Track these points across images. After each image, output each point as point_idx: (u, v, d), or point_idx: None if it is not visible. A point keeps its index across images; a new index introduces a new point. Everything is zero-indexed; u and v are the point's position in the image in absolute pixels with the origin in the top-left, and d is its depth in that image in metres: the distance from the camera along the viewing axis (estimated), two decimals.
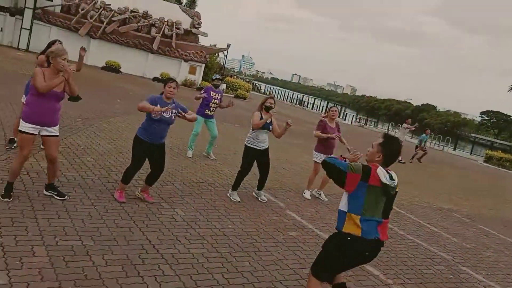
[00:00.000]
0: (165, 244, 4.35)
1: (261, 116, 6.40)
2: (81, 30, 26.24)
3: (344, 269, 3.51)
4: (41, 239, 3.81)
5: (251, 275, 4.14)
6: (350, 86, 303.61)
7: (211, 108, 8.58)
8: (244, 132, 13.56)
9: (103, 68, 26.04)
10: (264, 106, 6.44)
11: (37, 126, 4.58)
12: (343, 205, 3.27)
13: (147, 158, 5.38)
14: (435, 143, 31.26)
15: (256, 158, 6.50)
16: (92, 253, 3.80)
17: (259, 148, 6.43)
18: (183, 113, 5.26)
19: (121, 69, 26.53)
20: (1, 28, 24.54)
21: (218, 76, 9.01)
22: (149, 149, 5.28)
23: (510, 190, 16.57)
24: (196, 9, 35.87)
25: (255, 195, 6.75)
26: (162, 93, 5.31)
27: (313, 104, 45.04)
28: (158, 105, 5.10)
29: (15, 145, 6.11)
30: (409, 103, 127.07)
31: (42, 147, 5.89)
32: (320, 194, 7.71)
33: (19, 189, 4.76)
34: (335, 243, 3.32)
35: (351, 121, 38.68)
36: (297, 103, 46.06)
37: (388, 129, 32.44)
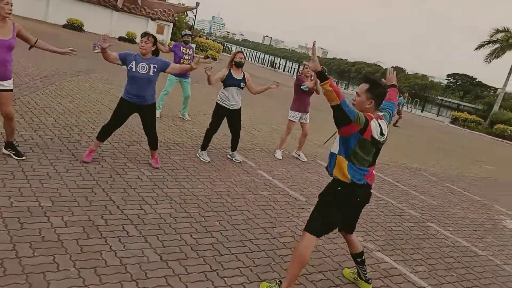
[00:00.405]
0: (130, 204, 4.16)
1: (230, 73, 6.13)
2: None
3: (340, 220, 3.36)
4: None
5: (221, 234, 4.02)
6: (322, 48, 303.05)
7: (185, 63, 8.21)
8: (215, 92, 13.25)
9: (64, 26, 24.79)
10: (234, 62, 6.16)
11: None
12: (335, 147, 3.21)
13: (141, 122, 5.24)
14: (407, 106, 31.73)
15: (226, 117, 6.28)
16: (50, 214, 3.57)
17: (230, 108, 6.20)
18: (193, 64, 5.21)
19: (84, 28, 25.32)
20: None
21: (187, 32, 8.65)
22: (130, 109, 5.04)
23: (474, 150, 17.07)
24: None
25: (229, 156, 6.58)
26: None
27: (285, 66, 44.62)
28: (134, 62, 4.91)
29: None
30: (379, 66, 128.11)
31: None
32: (299, 155, 7.64)
33: None
34: (328, 195, 3.29)
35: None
36: (268, 65, 45.58)
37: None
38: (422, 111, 33.29)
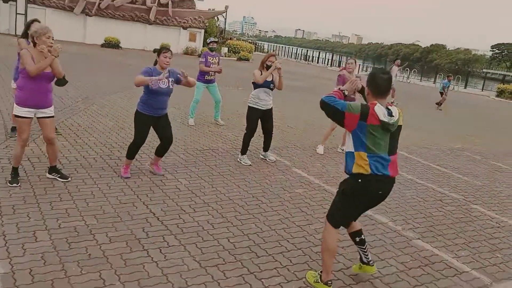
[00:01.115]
0: (169, 215, 4.36)
1: (262, 74, 6.24)
2: (76, 8, 25.90)
3: (360, 212, 3.47)
4: (43, 223, 3.83)
5: (257, 236, 4.13)
6: (356, 35, 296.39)
7: (210, 72, 8.41)
8: (247, 94, 13.42)
9: (102, 45, 25.80)
10: (265, 65, 6.25)
11: (32, 109, 4.55)
12: (349, 146, 3.25)
13: (155, 132, 5.40)
14: (453, 86, 30.57)
15: (260, 118, 6.40)
16: (96, 231, 3.82)
17: (262, 108, 6.31)
18: (183, 78, 5.24)
19: (121, 44, 26.24)
20: None
21: (213, 39, 8.71)
22: (151, 122, 5.24)
23: None
24: None
25: (262, 157, 6.70)
26: (155, 63, 5.21)
27: (318, 57, 44.14)
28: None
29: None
30: (418, 45, 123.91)
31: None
32: (343, 150, 7.64)
33: (20, 176, 4.76)
34: (348, 187, 3.30)
35: (358, 71, 37.93)
36: (302, 58, 45.27)
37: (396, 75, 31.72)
38: (465, 87, 31.91)
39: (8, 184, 4.54)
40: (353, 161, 3.20)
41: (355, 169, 3.20)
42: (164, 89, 5.12)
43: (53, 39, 4.52)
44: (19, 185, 4.55)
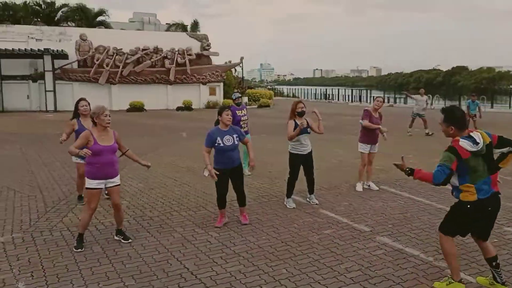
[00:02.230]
0: (202, 268, 4.51)
1: (295, 123, 6.50)
2: (100, 79, 27.41)
3: (475, 228, 3.92)
4: None
5: (289, 281, 4.22)
6: (374, 67, 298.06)
7: (242, 125, 8.56)
8: (271, 141, 13.71)
9: (128, 110, 26.97)
10: (296, 113, 6.57)
11: (102, 181, 5.06)
12: (454, 181, 3.77)
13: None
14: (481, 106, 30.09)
15: (302, 163, 6.71)
16: None
17: (303, 153, 6.64)
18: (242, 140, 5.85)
19: (145, 107, 27.37)
20: (28, 96, 25.95)
21: (237, 95, 8.98)
22: (228, 175, 5.75)
23: None
24: (201, 31, 36.48)
25: (308, 200, 6.91)
26: (216, 123, 5.84)
27: (338, 95, 44.54)
28: (218, 138, 5.61)
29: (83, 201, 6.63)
30: (439, 69, 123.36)
31: (106, 196, 6.52)
32: (369, 185, 7.75)
33: (61, 246, 5.07)
34: (459, 210, 3.84)
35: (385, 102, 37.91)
36: (322, 98, 45.78)
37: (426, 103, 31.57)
38: (491, 107, 31.36)
39: (74, 249, 4.95)
40: (460, 192, 3.77)
41: (463, 197, 3.76)
42: (229, 146, 5.64)
43: (109, 117, 5.13)
44: (83, 250, 4.94)
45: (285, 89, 62.09)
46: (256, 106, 30.82)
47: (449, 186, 3.93)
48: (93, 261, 4.69)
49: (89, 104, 6.71)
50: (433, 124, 19.71)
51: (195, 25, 38.97)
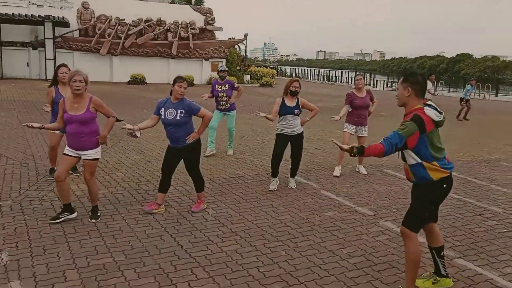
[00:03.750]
0: (197, 246, 4.29)
1: (284, 101, 6.18)
2: (101, 50, 26.85)
3: (434, 213, 3.54)
4: (73, 262, 3.84)
5: (288, 264, 4.00)
6: (378, 51, 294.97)
7: (221, 102, 8.21)
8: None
9: (129, 82, 26.53)
10: (289, 91, 6.20)
11: (74, 150, 4.70)
12: (413, 159, 3.32)
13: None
14: (474, 93, 29.76)
15: (287, 143, 6.31)
16: (124, 268, 3.79)
17: (288, 134, 6.23)
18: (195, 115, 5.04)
19: (146, 80, 26.93)
20: (27, 63, 25.47)
21: (223, 68, 8.50)
22: (175, 154, 5.14)
23: None
24: (206, 4, 35.72)
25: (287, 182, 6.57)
26: (171, 93, 5.09)
27: (341, 77, 44.03)
28: (163, 109, 5.02)
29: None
30: (443, 56, 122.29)
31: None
32: (359, 169, 7.43)
33: (50, 216, 4.83)
34: (431, 193, 3.35)
35: (383, 87, 37.54)
36: (325, 79, 45.29)
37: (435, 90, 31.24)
38: (496, 96, 30.95)
39: (49, 220, 4.67)
40: (426, 171, 3.27)
41: (435, 176, 3.27)
42: (170, 120, 4.98)
43: (79, 82, 4.57)
44: (58, 222, 4.67)
45: (288, 69, 61.37)
46: (258, 85, 30.37)
47: (401, 173, 3.59)
48: (82, 233, 4.47)
49: (69, 70, 6.19)
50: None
51: None
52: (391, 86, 37.60)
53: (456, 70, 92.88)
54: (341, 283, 3.70)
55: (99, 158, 4.85)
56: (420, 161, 3.27)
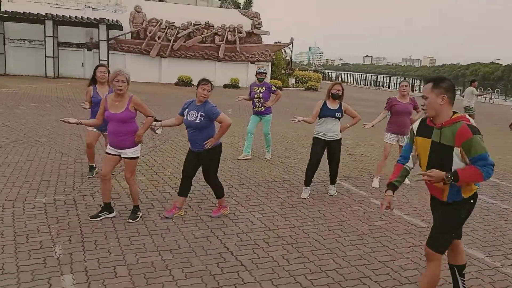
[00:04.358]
0: (243, 250, 4.25)
1: (325, 104, 6.06)
2: (151, 52, 27.61)
3: (460, 230, 3.39)
4: (123, 258, 3.90)
5: (336, 273, 3.88)
6: (428, 57, 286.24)
7: (256, 104, 8.12)
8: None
9: (176, 84, 27.11)
10: (331, 94, 6.07)
11: (114, 149, 4.74)
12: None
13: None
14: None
15: (324, 149, 6.11)
16: (172, 267, 3.80)
17: (325, 139, 6.03)
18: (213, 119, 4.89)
19: (192, 82, 27.40)
20: (82, 64, 26.59)
21: (261, 70, 8.33)
22: (194, 157, 4.99)
23: None
24: (254, 8, 35.92)
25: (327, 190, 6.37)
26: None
27: (389, 83, 42.91)
28: (186, 110, 4.96)
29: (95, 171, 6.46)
30: (498, 63, 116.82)
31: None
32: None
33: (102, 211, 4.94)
34: (459, 211, 3.10)
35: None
36: (372, 84, 44.36)
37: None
38: None
39: (89, 218, 4.74)
40: (460, 188, 3.01)
41: (466, 194, 3.03)
42: (190, 122, 4.87)
43: (122, 82, 4.60)
44: (101, 220, 4.72)
45: (333, 73, 60.64)
46: (303, 89, 30.20)
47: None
48: (132, 230, 4.54)
49: (108, 71, 6.26)
50: (493, 118, 18.47)
51: (248, 2, 38.44)
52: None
53: None
54: None
55: (138, 156, 4.85)
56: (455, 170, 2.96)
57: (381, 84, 43.40)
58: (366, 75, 49.79)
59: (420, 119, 3.20)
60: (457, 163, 2.93)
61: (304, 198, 5.98)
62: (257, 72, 8.29)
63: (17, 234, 4.28)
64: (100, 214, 4.80)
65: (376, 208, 5.71)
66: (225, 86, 27.77)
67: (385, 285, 3.70)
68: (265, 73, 8.27)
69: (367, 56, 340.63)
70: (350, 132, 11.77)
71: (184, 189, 5.07)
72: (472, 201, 3.10)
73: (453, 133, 2.89)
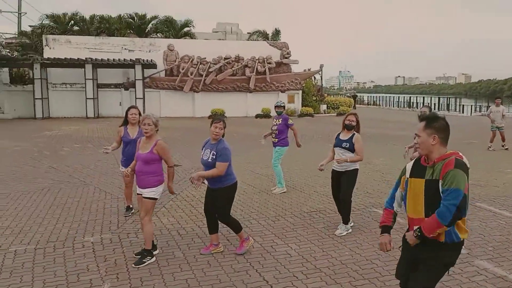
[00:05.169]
0: (282, 282, 4.35)
1: (338, 134, 6.05)
2: (185, 87, 28.58)
3: None
4: None
5: None
6: (463, 74, 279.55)
7: (272, 134, 8.30)
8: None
9: (209, 117, 27.74)
10: (344, 125, 6.03)
11: (139, 188, 4.94)
12: None
13: None
14: None
15: (338, 181, 5.98)
16: None
17: (336, 170, 5.99)
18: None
19: (225, 114, 28.01)
20: (120, 103, 27.76)
21: (279, 103, 8.45)
22: (210, 194, 5.09)
23: None
24: (282, 39, 36.64)
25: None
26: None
27: (423, 102, 42.23)
28: (203, 149, 5.05)
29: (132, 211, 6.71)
30: None
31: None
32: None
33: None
34: (453, 254, 2.97)
35: (470, 112, 35.38)
36: (405, 106, 43.77)
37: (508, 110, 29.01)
38: None
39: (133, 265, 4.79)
40: (456, 228, 2.88)
41: (463, 235, 2.92)
42: (204, 161, 4.98)
43: (148, 126, 4.83)
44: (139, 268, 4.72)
45: (365, 96, 60.30)
46: (335, 114, 30.22)
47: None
48: (174, 266, 4.74)
49: (139, 113, 6.59)
50: None
51: (276, 33, 39.25)
52: (480, 111, 35.37)
53: None
54: None
55: (156, 198, 4.91)
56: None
57: (414, 104, 42.78)
58: (398, 97, 49.22)
59: (415, 159, 3.15)
60: None
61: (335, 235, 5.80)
62: (276, 105, 8.48)
63: (68, 273, 4.57)
64: (144, 261, 4.78)
65: None
66: (257, 116, 28.22)
67: None
68: (283, 106, 8.41)
69: (399, 76, 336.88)
70: (385, 157, 11.72)
71: (212, 227, 5.17)
72: (463, 246, 3.02)
73: (441, 167, 2.87)
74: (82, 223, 6.24)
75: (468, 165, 2.90)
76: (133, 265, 4.72)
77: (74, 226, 6.13)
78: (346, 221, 5.92)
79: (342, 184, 5.88)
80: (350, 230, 5.90)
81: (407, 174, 3.10)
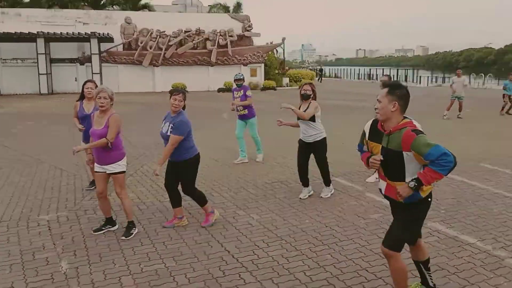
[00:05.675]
0: (243, 251, 4.39)
1: (300, 106, 6.07)
2: (144, 61, 27.82)
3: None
4: (127, 268, 4.03)
5: (334, 267, 4.02)
6: (421, 46, 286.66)
7: (238, 108, 8.29)
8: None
9: (170, 91, 27.27)
10: (301, 95, 6.05)
11: (98, 165, 4.78)
12: (408, 176, 3.03)
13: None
14: None
15: (306, 151, 6.10)
16: (175, 273, 3.94)
17: (304, 141, 6.09)
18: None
19: (187, 88, 27.56)
20: (75, 78, 26.73)
21: (238, 76, 8.44)
22: (172, 168, 5.02)
23: None
24: (243, 12, 36.13)
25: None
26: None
27: (382, 75, 43.07)
28: (163, 121, 4.95)
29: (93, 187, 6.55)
30: (490, 48, 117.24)
31: None
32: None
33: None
34: (418, 210, 3.16)
35: (427, 83, 36.45)
36: (365, 78, 44.55)
37: (469, 81, 30.10)
38: None
39: (93, 232, 4.86)
40: (419, 189, 3.01)
41: (424, 192, 3.07)
42: (162, 133, 4.92)
43: (104, 99, 4.65)
44: (104, 233, 4.84)
45: (327, 69, 60.82)
46: (297, 87, 30.39)
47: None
48: (135, 240, 4.68)
49: (96, 86, 6.28)
50: (487, 103, 18.64)
51: (237, 6, 38.63)
52: (436, 82, 36.48)
53: (505, 62, 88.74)
54: (389, 286, 3.67)
55: (124, 171, 4.84)
56: (416, 176, 2.96)
57: (374, 76, 43.58)
58: (359, 69, 49.97)
59: (372, 120, 3.25)
60: (415, 167, 3.01)
61: (300, 198, 6.07)
62: (235, 78, 8.46)
63: (23, 252, 4.42)
64: (103, 228, 4.93)
65: (371, 202, 5.85)
66: (220, 90, 27.96)
67: (381, 275, 3.84)
68: (242, 79, 8.38)
69: (360, 49, 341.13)
70: (345, 128, 11.93)
71: (174, 200, 5.11)
72: (429, 199, 3.16)
73: (399, 139, 2.96)
74: (37, 201, 6.03)
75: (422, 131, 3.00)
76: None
77: (28, 204, 5.91)
78: (327, 183, 6.19)
79: (316, 152, 6.06)
80: (333, 191, 6.24)
81: (367, 137, 3.27)
